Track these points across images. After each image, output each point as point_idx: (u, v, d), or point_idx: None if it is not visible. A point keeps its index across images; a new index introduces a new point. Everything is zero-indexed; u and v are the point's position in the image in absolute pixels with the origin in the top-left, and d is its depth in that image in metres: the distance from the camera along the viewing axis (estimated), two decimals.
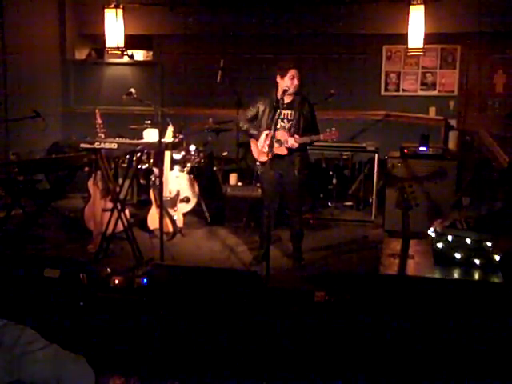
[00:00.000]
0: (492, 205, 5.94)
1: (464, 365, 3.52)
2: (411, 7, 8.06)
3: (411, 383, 3.59)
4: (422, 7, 8.01)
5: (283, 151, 5.47)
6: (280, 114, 5.38)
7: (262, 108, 5.57)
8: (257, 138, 5.61)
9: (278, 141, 5.42)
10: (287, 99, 5.50)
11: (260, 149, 5.56)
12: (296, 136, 5.44)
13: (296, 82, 5.44)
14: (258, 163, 5.50)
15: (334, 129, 5.40)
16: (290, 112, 5.50)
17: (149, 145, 6.07)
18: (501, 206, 5.63)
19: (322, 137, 5.46)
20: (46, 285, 4.31)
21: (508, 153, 6.12)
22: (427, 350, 3.60)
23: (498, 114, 9.63)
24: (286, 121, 5.51)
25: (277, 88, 5.53)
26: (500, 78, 9.56)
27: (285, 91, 5.39)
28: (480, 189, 6.47)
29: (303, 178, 5.63)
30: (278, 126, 5.43)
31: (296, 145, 5.43)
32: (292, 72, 5.43)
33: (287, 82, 5.43)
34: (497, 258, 4.52)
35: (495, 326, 3.58)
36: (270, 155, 5.18)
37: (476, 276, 4.54)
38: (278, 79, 5.50)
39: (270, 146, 5.18)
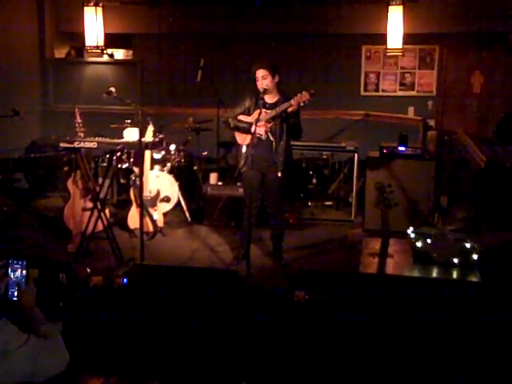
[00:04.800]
0: (469, 204, 6.01)
1: (443, 363, 3.56)
2: (390, 7, 8.11)
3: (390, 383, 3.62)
4: (400, 8, 8.07)
5: (262, 131, 5.44)
6: (261, 113, 5.37)
7: (248, 105, 5.55)
8: (248, 129, 5.49)
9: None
10: (270, 99, 5.52)
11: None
12: (263, 110, 5.38)
13: (264, 82, 5.39)
14: (244, 148, 5.54)
15: (304, 92, 5.23)
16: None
17: (129, 144, 6.06)
18: (477, 205, 5.70)
19: (292, 102, 5.27)
20: None
21: (485, 153, 6.19)
22: (406, 349, 3.63)
23: (476, 114, 9.75)
24: (269, 120, 5.48)
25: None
26: (477, 78, 9.68)
27: (264, 91, 5.40)
28: (458, 188, 6.54)
29: (284, 177, 5.60)
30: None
31: (267, 125, 5.40)
32: (257, 73, 5.43)
33: (258, 83, 5.45)
34: (475, 256, 4.57)
35: (473, 324, 3.62)
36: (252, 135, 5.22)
37: (454, 275, 4.59)
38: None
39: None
